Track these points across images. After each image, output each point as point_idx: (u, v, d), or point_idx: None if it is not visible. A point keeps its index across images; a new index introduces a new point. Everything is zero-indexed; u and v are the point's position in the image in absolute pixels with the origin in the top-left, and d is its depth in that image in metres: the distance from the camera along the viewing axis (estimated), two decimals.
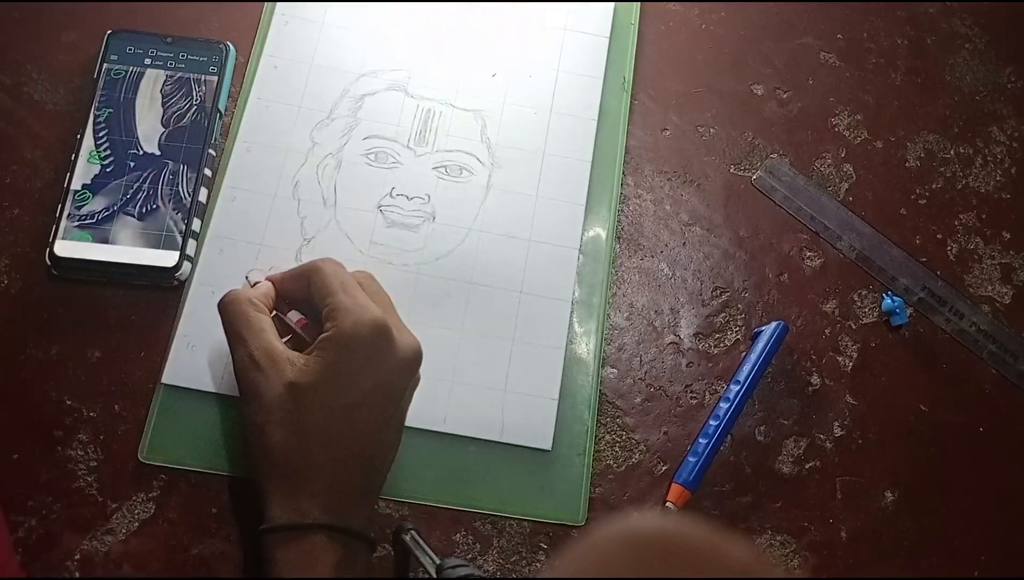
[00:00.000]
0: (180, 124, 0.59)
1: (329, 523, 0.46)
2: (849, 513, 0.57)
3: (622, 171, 0.63)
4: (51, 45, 0.63)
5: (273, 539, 0.46)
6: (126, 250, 0.56)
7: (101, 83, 0.59)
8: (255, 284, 0.54)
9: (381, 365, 0.48)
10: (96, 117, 0.59)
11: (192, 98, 0.60)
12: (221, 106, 0.61)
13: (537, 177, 0.62)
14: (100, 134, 0.58)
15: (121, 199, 0.57)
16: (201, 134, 0.59)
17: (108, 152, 0.58)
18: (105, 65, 0.60)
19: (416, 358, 0.50)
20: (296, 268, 0.53)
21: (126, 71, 0.60)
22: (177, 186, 0.58)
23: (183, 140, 0.59)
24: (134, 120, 0.59)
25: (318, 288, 0.50)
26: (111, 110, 0.59)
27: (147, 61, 0.60)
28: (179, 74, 0.60)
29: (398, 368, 0.49)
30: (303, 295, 0.52)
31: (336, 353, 0.47)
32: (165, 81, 0.60)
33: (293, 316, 0.53)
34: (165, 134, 0.59)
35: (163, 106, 0.59)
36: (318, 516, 0.46)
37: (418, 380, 0.52)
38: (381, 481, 0.51)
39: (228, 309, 0.50)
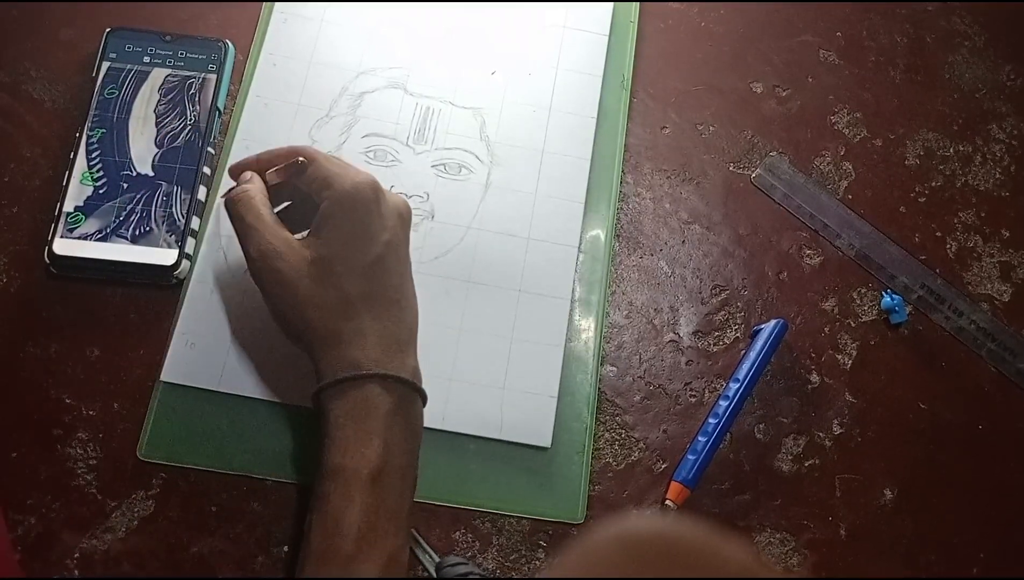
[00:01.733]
0: (174, 144, 0.58)
1: (382, 372, 0.48)
2: (848, 511, 0.57)
3: (621, 169, 0.63)
4: (50, 43, 0.63)
5: (329, 393, 0.48)
6: (125, 248, 0.56)
7: (94, 104, 0.58)
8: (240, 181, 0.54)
9: (384, 219, 0.50)
10: (89, 137, 0.58)
11: (187, 118, 0.59)
12: (220, 104, 0.61)
13: (536, 175, 0.62)
14: (93, 155, 0.57)
15: (114, 221, 0.56)
16: (195, 155, 0.58)
17: (101, 173, 0.57)
18: (104, 63, 0.60)
19: (408, 210, 0.53)
20: (273, 152, 0.54)
21: (123, 71, 0.60)
22: (171, 208, 0.57)
23: (177, 161, 0.58)
24: (127, 141, 0.58)
25: (305, 164, 0.52)
26: (104, 130, 0.58)
27: (146, 59, 0.60)
28: (178, 76, 0.60)
29: (399, 218, 0.52)
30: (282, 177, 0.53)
31: (344, 216, 0.49)
32: (159, 102, 0.59)
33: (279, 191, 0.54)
34: (159, 155, 0.58)
35: (157, 126, 0.59)
36: (370, 366, 0.48)
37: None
38: (415, 331, 0.52)
39: (240, 206, 0.51)
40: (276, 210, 0.53)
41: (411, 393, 0.49)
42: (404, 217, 0.52)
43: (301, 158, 0.52)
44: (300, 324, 0.50)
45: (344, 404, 0.47)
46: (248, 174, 0.54)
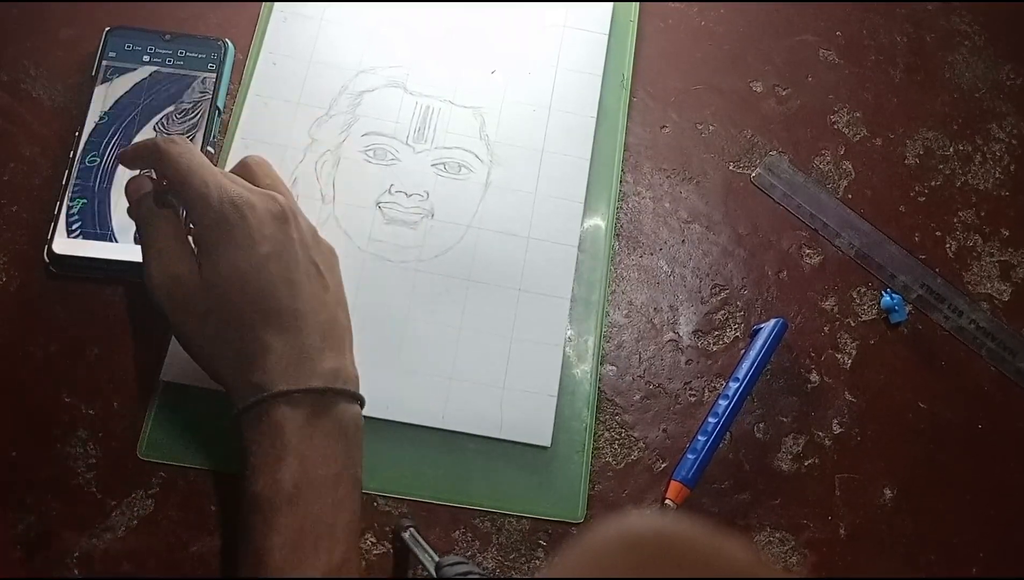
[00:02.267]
0: None
1: (283, 388, 0.46)
2: (848, 510, 0.57)
3: (621, 168, 0.63)
4: (49, 42, 0.63)
5: (242, 423, 0.47)
6: (125, 247, 0.56)
7: (75, 171, 0.57)
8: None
9: (257, 229, 0.47)
10: (70, 208, 0.56)
11: (186, 118, 0.58)
12: (220, 103, 0.61)
13: (536, 174, 0.62)
14: (74, 227, 0.56)
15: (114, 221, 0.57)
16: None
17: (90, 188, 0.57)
18: (104, 62, 0.60)
19: (283, 206, 0.49)
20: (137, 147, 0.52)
21: (122, 70, 0.60)
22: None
23: None
24: (109, 212, 0.57)
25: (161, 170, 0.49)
26: (85, 201, 0.57)
27: (145, 58, 0.60)
28: (176, 73, 0.60)
29: (275, 220, 0.48)
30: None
31: (212, 243, 0.47)
32: (157, 100, 0.59)
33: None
34: None
35: (155, 130, 0.58)
36: (271, 386, 0.46)
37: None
38: (335, 331, 0.49)
39: (180, 146, 0.49)
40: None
41: (328, 399, 0.47)
42: (282, 217, 0.49)
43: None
44: (203, 361, 0.48)
45: (253, 431, 0.46)
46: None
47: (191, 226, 0.49)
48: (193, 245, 0.49)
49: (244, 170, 0.53)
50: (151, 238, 0.49)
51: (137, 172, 0.52)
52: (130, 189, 0.51)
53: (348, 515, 0.46)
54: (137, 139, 0.58)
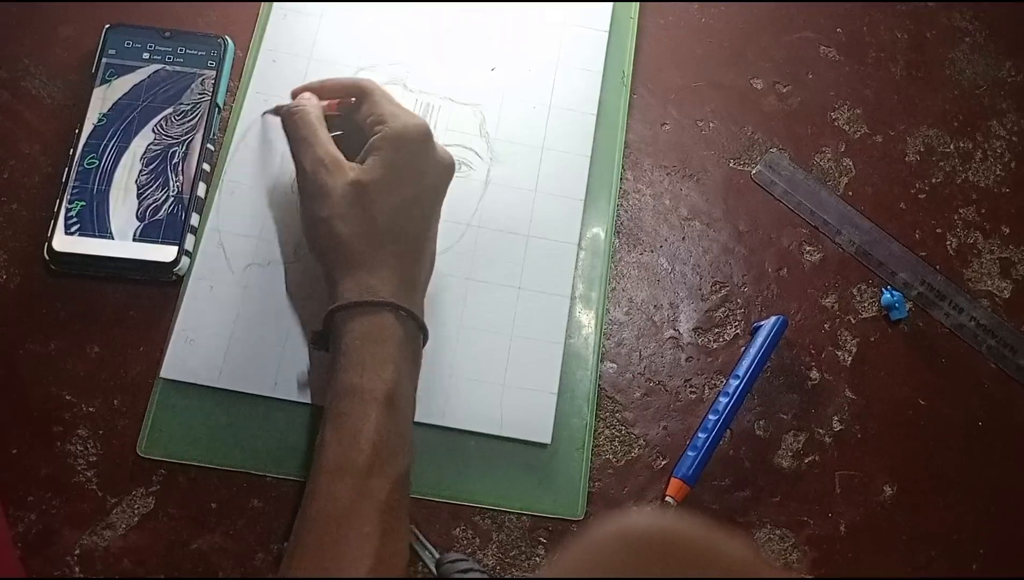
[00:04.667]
0: (156, 217, 0.57)
1: (397, 302, 0.50)
2: (848, 507, 0.57)
3: (621, 166, 0.63)
4: (49, 39, 0.63)
5: (345, 314, 0.50)
6: (124, 245, 0.56)
7: (75, 172, 0.57)
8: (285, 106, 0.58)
9: (429, 166, 0.53)
10: (68, 209, 0.56)
11: (169, 189, 0.57)
12: (220, 100, 0.61)
13: (536, 172, 0.62)
14: (73, 225, 0.56)
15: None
16: (177, 228, 0.56)
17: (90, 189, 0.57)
18: (103, 60, 0.60)
19: (452, 165, 0.55)
20: (334, 81, 0.59)
21: (122, 68, 0.60)
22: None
23: (158, 236, 0.56)
24: (108, 214, 0.57)
25: (361, 99, 0.55)
26: (84, 203, 0.57)
27: (145, 56, 0.60)
28: (176, 71, 0.60)
29: (443, 168, 0.54)
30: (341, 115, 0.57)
31: (392, 151, 0.52)
32: (141, 171, 0.58)
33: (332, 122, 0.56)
34: (140, 229, 0.56)
35: (138, 198, 0.57)
36: (386, 296, 0.49)
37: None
38: (428, 278, 0.54)
39: (297, 119, 0.55)
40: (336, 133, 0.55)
41: (417, 331, 0.51)
42: (447, 171, 0.54)
43: (354, 98, 0.55)
44: (327, 239, 0.51)
45: (360, 326, 0.49)
46: (307, 94, 0.57)
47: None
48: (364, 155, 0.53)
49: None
50: (309, 127, 0.54)
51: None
52: (295, 92, 0.59)
53: (411, 434, 0.50)
54: (136, 140, 0.58)
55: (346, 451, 0.46)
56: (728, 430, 0.58)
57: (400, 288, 0.50)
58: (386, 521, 0.46)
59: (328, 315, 0.50)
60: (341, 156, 0.53)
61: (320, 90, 0.58)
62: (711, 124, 0.65)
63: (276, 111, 0.60)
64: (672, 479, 0.56)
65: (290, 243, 0.58)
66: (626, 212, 0.63)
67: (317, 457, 0.48)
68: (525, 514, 0.55)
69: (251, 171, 0.60)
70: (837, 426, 0.59)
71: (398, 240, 0.51)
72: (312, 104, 0.56)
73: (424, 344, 0.52)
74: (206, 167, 0.59)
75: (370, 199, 0.51)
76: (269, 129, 0.61)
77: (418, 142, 0.52)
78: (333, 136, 0.55)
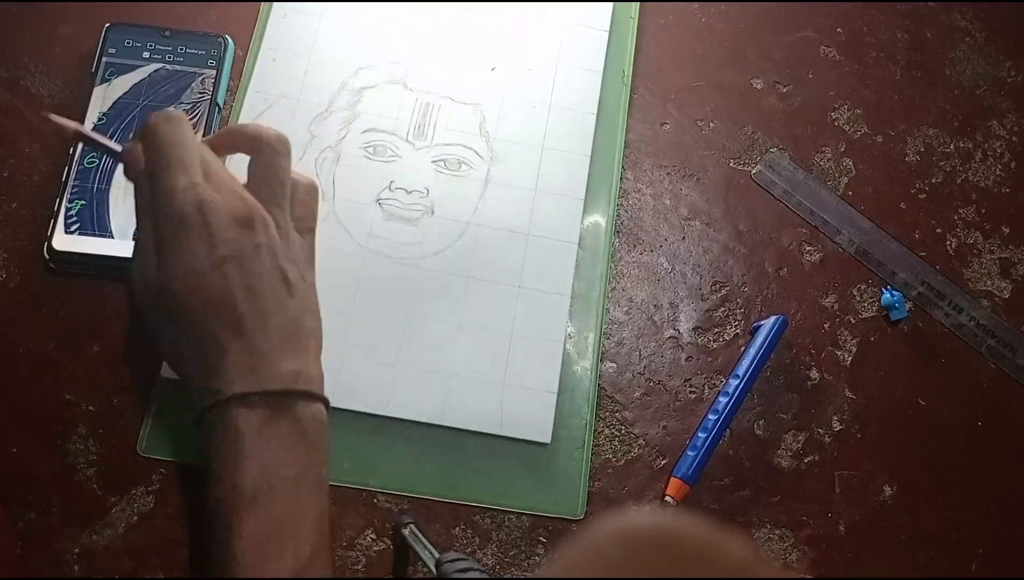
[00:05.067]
0: None
1: (239, 391, 0.44)
2: (848, 507, 0.57)
3: (621, 165, 0.63)
4: (48, 38, 0.63)
5: (201, 427, 0.45)
6: (125, 244, 0.56)
7: (74, 171, 0.57)
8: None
9: (217, 234, 0.45)
10: (68, 209, 0.56)
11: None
12: (220, 100, 0.61)
13: (536, 171, 0.62)
14: (73, 224, 0.56)
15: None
16: None
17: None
18: (103, 59, 0.60)
19: (251, 211, 0.47)
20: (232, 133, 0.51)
21: (122, 67, 0.60)
22: None
23: None
24: (108, 213, 0.57)
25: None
26: (83, 202, 0.57)
27: (145, 55, 0.60)
28: (176, 70, 0.60)
29: (239, 226, 0.46)
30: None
31: (169, 244, 0.45)
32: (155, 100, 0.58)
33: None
34: None
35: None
36: (227, 390, 0.45)
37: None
38: (298, 333, 0.48)
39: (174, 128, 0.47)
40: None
41: (288, 401, 0.46)
42: (247, 222, 0.46)
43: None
44: (169, 360, 0.48)
45: (212, 435, 0.45)
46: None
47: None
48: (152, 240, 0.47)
49: (254, 146, 0.50)
50: (143, 226, 0.47)
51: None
52: (127, 161, 0.48)
53: (314, 514, 0.46)
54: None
55: (221, 572, 0.44)
56: (728, 430, 0.58)
57: (248, 368, 0.45)
58: None
59: (198, 416, 0.46)
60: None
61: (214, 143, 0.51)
62: (711, 124, 0.65)
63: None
64: (672, 479, 0.56)
65: None
66: (626, 211, 0.63)
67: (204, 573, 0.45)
68: (525, 513, 0.55)
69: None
70: (837, 426, 0.59)
71: (224, 323, 0.46)
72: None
73: (324, 402, 0.48)
74: None
75: (177, 300, 0.45)
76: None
77: (188, 222, 0.45)
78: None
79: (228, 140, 0.51)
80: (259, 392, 0.45)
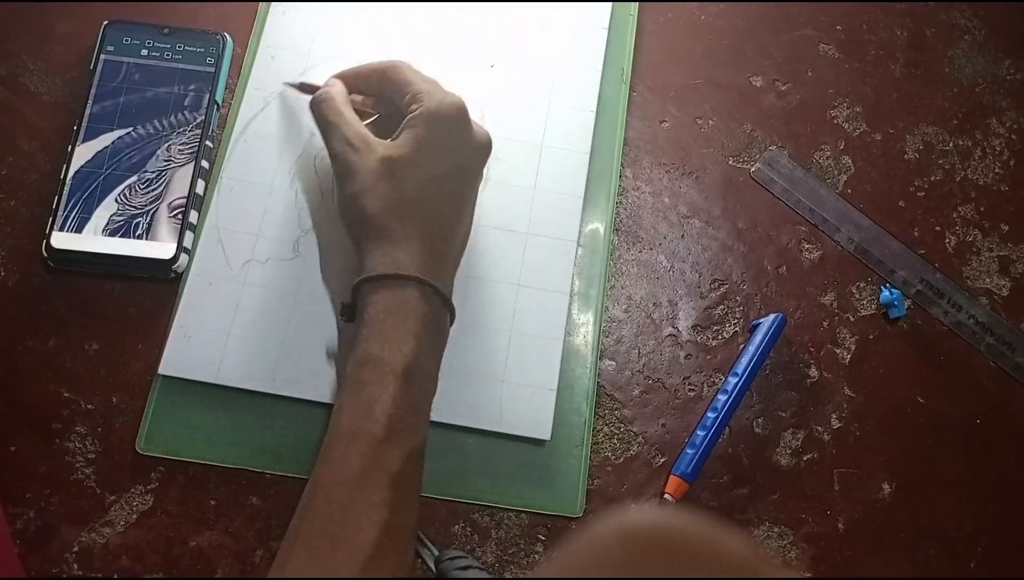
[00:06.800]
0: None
1: (422, 277, 0.50)
2: (846, 505, 0.57)
3: (620, 163, 0.63)
4: (47, 36, 0.62)
5: (371, 285, 0.50)
6: (123, 242, 0.56)
7: (73, 168, 0.57)
8: (312, 87, 0.58)
9: (464, 143, 0.53)
10: (66, 208, 0.56)
11: (186, 113, 0.58)
12: (218, 97, 0.61)
13: (535, 169, 0.62)
14: (72, 222, 0.56)
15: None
16: (193, 149, 0.58)
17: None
18: (102, 56, 0.60)
19: (489, 143, 0.55)
20: (367, 66, 0.57)
21: (120, 65, 0.60)
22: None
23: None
24: (105, 211, 0.57)
25: (395, 80, 0.55)
26: (82, 200, 0.57)
27: (144, 52, 0.60)
28: (175, 68, 0.60)
29: (478, 147, 0.54)
30: (374, 91, 0.57)
31: (425, 129, 0.52)
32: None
33: (367, 104, 0.57)
34: None
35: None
36: (412, 271, 0.50)
37: (483, 178, 0.58)
38: (459, 256, 0.55)
39: (323, 105, 0.54)
40: (366, 122, 0.55)
41: (443, 308, 0.51)
42: (484, 149, 0.54)
43: (377, 115, 0.56)
44: (356, 213, 0.51)
45: (384, 299, 0.49)
46: (332, 80, 0.57)
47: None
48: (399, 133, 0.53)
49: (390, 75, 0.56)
50: (335, 110, 0.54)
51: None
52: (328, 92, 0.55)
53: (428, 410, 0.51)
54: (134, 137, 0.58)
55: (361, 419, 0.47)
56: (727, 428, 0.58)
57: (427, 264, 0.50)
58: (396, 492, 0.46)
59: (355, 286, 0.50)
60: (370, 135, 0.53)
61: (353, 77, 0.57)
62: (710, 122, 0.65)
63: (300, 86, 0.60)
64: (671, 476, 0.56)
65: (289, 241, 0.58)
66: (625, 209, 0.63)
67: (332, 423, 0.48)
68: (524, 511, 0.55)
69: (250, 169, 0.60)
70: (836, 424, 0.59)
71: (426, 216, 0.51)
72: (335, 88, 0.56)
73: (451, 323, 0.53)
74: (205, 164, 0.59)
75: (398, 174, 0.51)
76: (288, 101, 0.62)
77: (453, 120, 0.52)
78: (371, 121, 0.56)
79: (366, 84, 0.57)
80: (433, 286, 0.50)
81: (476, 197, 0.55)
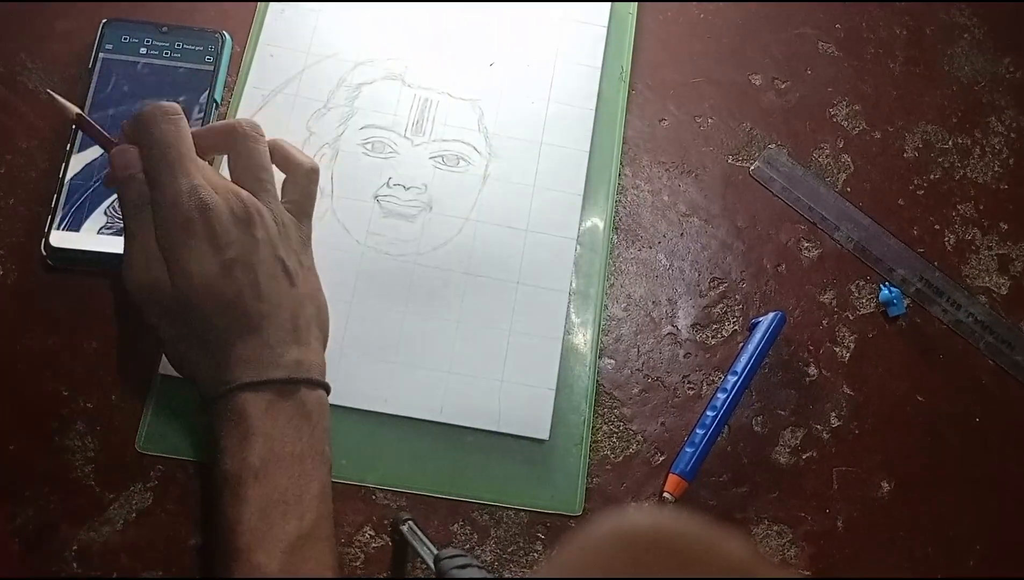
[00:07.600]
0: None
1: (245, 381, 0.47)
2: (845, 503, 0.57)
3: (620, 161, 0.63)
4: (46, 34, 0.62)
5: (210, 410, 0.48)
6: (122, 240, 0.56)
7: (71, 167, 0.57)
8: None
9: (221, 235, 0.47)
10: (65, 206, 0.56)
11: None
12: (217, 96, 0.60)
13: (534, 167, 0.62)
14: (71, 220, 0.56)
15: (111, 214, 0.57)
16: None
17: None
18: (100, 54, 0.60)
19: (249, 210, 0.48)
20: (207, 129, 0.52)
21: (119, 63, 0.60)
22: None
23: None
24: (105, 209, 0.57)
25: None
26: (81, 199, 0.56)
27: (142, 51, 0.60)
28: (174, 66, 0.60)
29: (240, 225, 0.48)
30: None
31: (176, 246, 0.47)
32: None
33: None
34: None
35: None
36: (233, 379, 0.47)
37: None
38: (299, 324, 0.50)
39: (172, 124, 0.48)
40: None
41: (291, 386, 0.48)
42: (246, 219, 0.48)
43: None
44: (174, 359, 0.49)
45: (221, 418, 0.47)
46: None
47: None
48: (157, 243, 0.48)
49: (230, 140, 0.51)
50: (137, 229, 0.48)
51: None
52: (118, 163, 0.48)
53: (317, 487, 0.48)
54: None
55: (226, 536, 0.46)
56: (726, 426, 0.58)
57: (252, 359, 0.48)
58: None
59: (214, 401, 0.48)
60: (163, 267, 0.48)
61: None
62: (710, 120, 0.65)
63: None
64: (670, 475, 0.56)
65: None
66: (624, 208, 0.63)
67: (212, 548, 0.48)
68: (523, 510, 0.55)
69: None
70: (835, 422, 0.59)
71: (231, 319, 0.48)
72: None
73: (324, 387, 0.50)
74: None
75: (189, 304, 0.47)
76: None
77: (191, 227, 0.47)
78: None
79: (205, 142, 0.51)
80: (264, 381, 0.47)
81: (276, 260, 0.49)
